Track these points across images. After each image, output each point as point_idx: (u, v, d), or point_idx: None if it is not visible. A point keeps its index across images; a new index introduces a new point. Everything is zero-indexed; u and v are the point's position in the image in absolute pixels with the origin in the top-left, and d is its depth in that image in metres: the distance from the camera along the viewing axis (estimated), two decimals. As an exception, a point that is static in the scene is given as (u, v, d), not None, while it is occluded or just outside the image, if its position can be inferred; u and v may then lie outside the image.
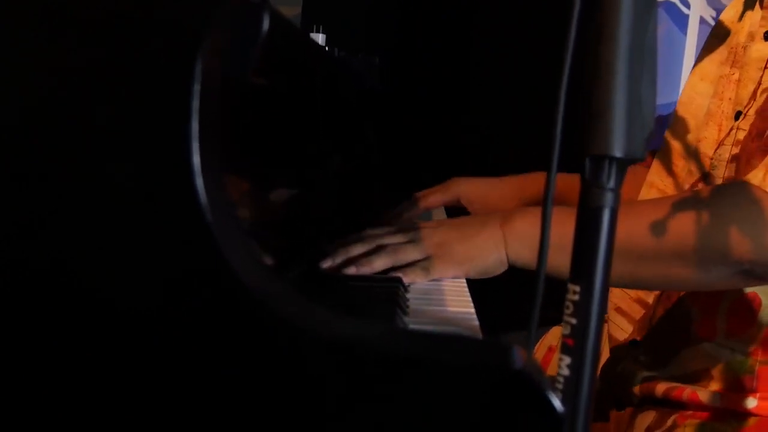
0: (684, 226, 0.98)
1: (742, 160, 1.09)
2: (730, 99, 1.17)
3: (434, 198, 1.43)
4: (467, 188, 1.45)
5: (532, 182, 1.46)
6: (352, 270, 1.04)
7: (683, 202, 1.01)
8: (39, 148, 0.61)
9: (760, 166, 1.00)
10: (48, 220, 0.61)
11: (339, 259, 1.06)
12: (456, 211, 1.49)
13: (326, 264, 1.06)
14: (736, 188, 1.01)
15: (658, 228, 0.98)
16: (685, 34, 2.57)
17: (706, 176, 1.16)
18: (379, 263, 1.05)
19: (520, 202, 1.43)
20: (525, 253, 1.05)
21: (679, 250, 0.98)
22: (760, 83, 1.12)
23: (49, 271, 0.61)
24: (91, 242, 0.60)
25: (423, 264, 1.06)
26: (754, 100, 1.12)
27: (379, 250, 1.07)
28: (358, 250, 1.07)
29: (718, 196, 1.01)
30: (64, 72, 0.61)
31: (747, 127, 1.11)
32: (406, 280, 1.04)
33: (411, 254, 1.06)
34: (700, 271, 0.99)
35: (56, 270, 0.61)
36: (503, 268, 1.07)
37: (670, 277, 1.01)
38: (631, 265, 1.01)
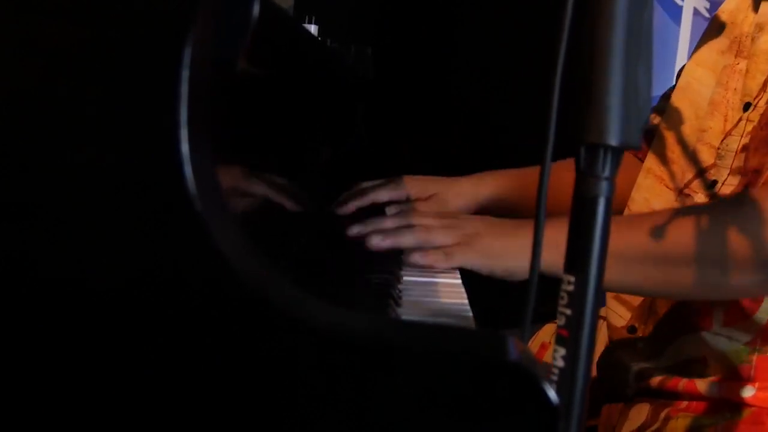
0: (722, 232, 0.96)
1: (750, 149, 1.09)
2: (735, 89, 1.16)
3: (381, 192, 1.37)
4: (418, 187, 1.39)
5: (488, 182, 1.43)
6: (377, 239, 1.02)
7: (717, 210, 1.00)
8: (23, 134, 0.60)
9: None
10: (31, 210, 0.60)
11: (369, 228, 1.05)
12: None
13: (354, 230, 1.04)
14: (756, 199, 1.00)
15: (698, 234, 0.97)
16: (679, 25, 2.57)
17: (702, 172, 1.16)
18: (406, 240, 1.04)
19: (474, 202, 1.41)
20: (558, 261, 1.03)
21: (717, 256, 0.97)
22: None
23: (31, 262, 0.60)
24: (78, 233, 0.59)
25: (447, 249, 1.04)
26: (765, 91, 1.11)
27: (409, 227, 1.05)
28: (389, 223, 1.06)
29: (750, 203, 0.99)
30: (51, 58, 0.60)
31: (757, 119, 1.10)
32: (425, 261, 1.02)
33: (440, 238, 1.04)
34: (739, 276, 0.97)
35: (40, 262, 0.60)
36: (527, 275, 1.05)
37: (706, 284, 0.99)
38: (667, 271, 0.99)
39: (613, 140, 0.57)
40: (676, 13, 2.58)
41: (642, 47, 0.58)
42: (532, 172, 1.41)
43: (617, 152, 0.58)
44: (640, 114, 0.58)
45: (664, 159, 1.21)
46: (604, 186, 0.58)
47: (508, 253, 1.04)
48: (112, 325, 0.59)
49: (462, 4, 2.62)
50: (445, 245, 1.04)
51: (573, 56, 0.58)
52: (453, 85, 2.61)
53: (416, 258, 1.03)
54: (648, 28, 0.59)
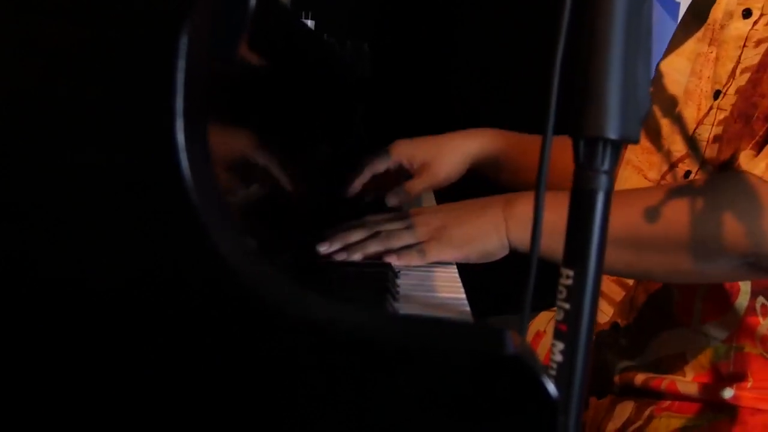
0: (686, 216, 0.98)
1: (724, 141, 1.09)
2: (708, 77, 1.16)
3: (377, 163, 1.40)
4: (408, 150, 1.41)
5: (481, 138, 1.45)
6: (342, 255, 1.04)
7: (685, 191, 1.01)
8: (18, 128, 0.59)
9: (761, 155, 1.00)
10: (25, 206, 0.59)
11: (336, 245, 1.06)
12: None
13: (323, 248, 1.05)
14: (737, 179, 1.00)
15: (661, 217, 0.98)
16: (676, 22, 2.57)
17: (692, 150, 1.15)
18: (372, 248, 1.05)
19: (466, 159, 1.42)
20: (527, 237, 1.04)
21: (682, 240, 0.98)
22: (738, 62, 1.11)
23: (27, 259, 0.59)
24: (75, 227, 0.59)
25: (419, 247, 1.05)
26: (734, 78, 1.11)
27: (374, 236, 1.06)
28: (355, 236, 1.07)
29: (719, 186, 1.00)
30: (46, 50, 0.59)
31: (727, 107, 1.10)
32: (400, 263, 1.03)
33: (405, 239, 1.06)
34: (703, 262, 0.98)
35: (36, 258, 0.59)
36: (504, 251, 1.06)
37: (672, 267, 1.00)
38: (632, 254, 1.00)
39: (612, 134, 0.57)
40: (673, 9, 2.58)
41: (641, 42, 0.58)
42: (528, 137, 1.42)
43: (616, 146, 0.58)
44: (638, 108, 0.58)
45: (657, 146, 1.21)
46: (603, 179, 0.58)
47: (477, 237, 1.05)
48: (108, 323, 0.59)
49: (461, 1, 2.62)
50: (412, 244, 1.05)
51: (572, 49, 0.58)
52: (452, 82, 2.61)
53: (392, 260, 1.03)
54: (647, 22, 0.59)
